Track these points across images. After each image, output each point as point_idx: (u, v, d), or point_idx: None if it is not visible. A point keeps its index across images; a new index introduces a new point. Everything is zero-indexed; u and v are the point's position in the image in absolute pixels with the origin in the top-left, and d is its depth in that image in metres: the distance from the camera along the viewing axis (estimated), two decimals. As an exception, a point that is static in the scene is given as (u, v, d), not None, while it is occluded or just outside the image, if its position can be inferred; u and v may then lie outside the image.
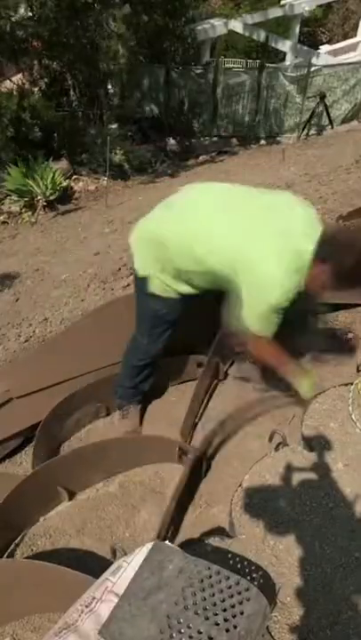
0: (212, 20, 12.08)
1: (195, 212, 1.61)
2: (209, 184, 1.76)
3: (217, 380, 2.27)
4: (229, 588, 1.13)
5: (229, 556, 1.50)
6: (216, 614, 1.08)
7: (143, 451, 1.90)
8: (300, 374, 1.82)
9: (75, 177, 7.42)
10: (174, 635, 1.05)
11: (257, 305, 1.56)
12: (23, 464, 1.98)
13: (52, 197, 6.44)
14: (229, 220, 1.56)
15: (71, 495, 1.80)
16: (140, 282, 1.77)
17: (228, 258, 1.53)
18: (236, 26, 11.83)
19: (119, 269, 3.47)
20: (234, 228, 1.54)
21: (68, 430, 2.07)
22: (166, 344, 1.89)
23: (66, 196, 6.87)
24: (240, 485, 1.75)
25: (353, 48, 13.42)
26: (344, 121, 10.49)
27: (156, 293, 1.74)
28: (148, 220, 1.74)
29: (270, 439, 1.90)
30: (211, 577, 1.15)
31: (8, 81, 8.51)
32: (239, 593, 1.12)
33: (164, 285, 1.72)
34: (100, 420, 2.15)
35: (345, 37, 15.34)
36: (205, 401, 2.17)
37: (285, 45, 12.00)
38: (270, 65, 11.01)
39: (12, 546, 1.65)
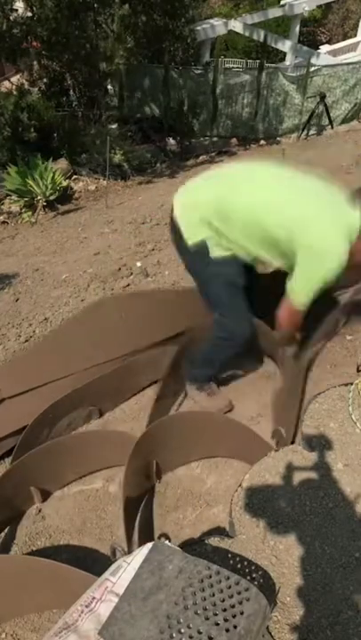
0: (211, 20, 12.11)
1: (252, 183, 1.68)
2: (251, 162, 1.84)
3: None
4: (229, 587, 1.13)
5: (229, 555, 1.50)
6: (216, 614, 1.08)
7: (105, 447, 1.86)
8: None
9: (75, 177, 7.41)
10: (174, 635, 1.05)
11: (311, 270, 1.60)
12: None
13: (51, 197, 6.43)
14: (286, 189, 1.64)
15: (45, 495, 1.78)
16: (199, 253, 1.74)
17: (288, 219, 1.59)
18: (236, 26, 11.86)
19: (119, 269, 3.47)
20: (291, 197, 1.62)
21: (58, 434, 2.01)
22: (252, 321, 1.86)
23: (66, 196, 6.86)
24: (240, 485, 1.75)
25: (353, 48, 13.45)
26: (344, 121, 10.48)
27: (221, 256, 1.72)
28: (197, 190, 1.77)
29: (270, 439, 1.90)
30: (211, 577, 1.15)
31: (7, 81, 8.52)
32: (239, 593, 1.12)
33: (225, 244, 1.71)
34: (92, 422, 2.12)
35: (345, 37, 15.37)
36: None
37: (285, 45, 12.02)
38: (270, 65, 11.01)
39: (12, 545, 1.65)
